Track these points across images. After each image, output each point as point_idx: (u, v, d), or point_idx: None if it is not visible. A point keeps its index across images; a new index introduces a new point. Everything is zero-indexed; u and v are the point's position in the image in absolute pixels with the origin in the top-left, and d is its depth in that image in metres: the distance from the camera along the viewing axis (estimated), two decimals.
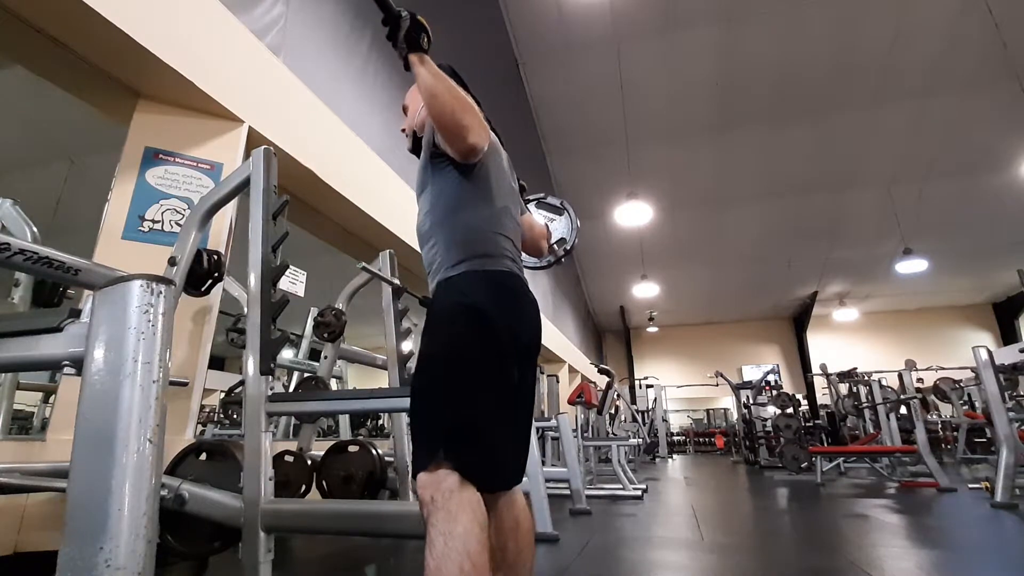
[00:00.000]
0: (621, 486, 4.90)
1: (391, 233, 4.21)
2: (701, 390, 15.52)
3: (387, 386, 2.74)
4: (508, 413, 1.10)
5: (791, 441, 6.46)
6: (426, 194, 1.24)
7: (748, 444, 9.03)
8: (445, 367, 1.05)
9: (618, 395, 8.89)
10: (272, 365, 1.75)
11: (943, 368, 9.06)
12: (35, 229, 2.80)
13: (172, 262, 2.20)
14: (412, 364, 3.03)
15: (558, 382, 7.31)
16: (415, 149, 1.40)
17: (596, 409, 6.44)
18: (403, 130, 1.42)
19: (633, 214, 9.39)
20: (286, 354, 4.72)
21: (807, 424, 9.51)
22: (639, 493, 4.74)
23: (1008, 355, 6.11)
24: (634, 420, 10.28)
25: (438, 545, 0.88)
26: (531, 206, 1.87)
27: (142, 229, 2.55)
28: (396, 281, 2.92)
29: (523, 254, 1.40)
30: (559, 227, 1.88)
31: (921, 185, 10.17)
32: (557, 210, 1.88)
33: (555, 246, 1.78)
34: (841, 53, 7.92)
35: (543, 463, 4.64)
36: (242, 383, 2.01)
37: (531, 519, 1.15)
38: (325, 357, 3.42)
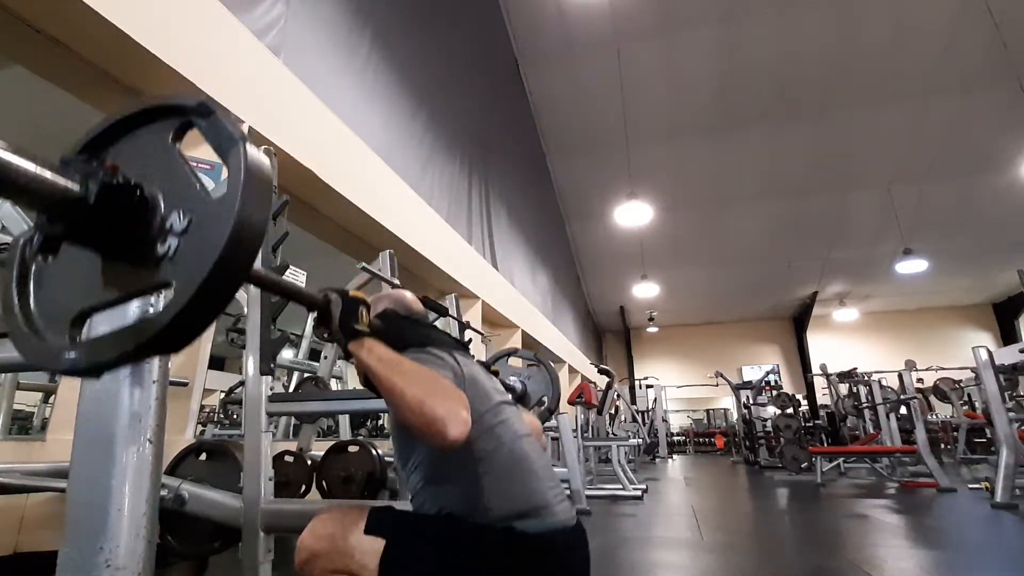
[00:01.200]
0: (621, 486, 4.89)
1: (391, 233, 4.21)
2: (701, 390, 15.51)
3: None
4: None
5: (791, 441, 6.46)
6: (414, 467, 1.07)
7: (748, 444, 9.02)
8: None
9: (618, 395, 8.89)
10: (272, 365, 1.75)
11: (943, 368, 9.06)
12: None
13: None
14: None
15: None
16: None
17: (596, 409, 6.43)
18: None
19: (633, 214, 9.39)
20: (286, 354, 4.71)
21: (807, 424, 9.51)
22: (639, 493, 4.73)
23: (1008, 355, 6.12)
24: (634, 420, 10.27)
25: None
26: (509, 361, 1.85)
27: None
28: (396, 281, 2.92)
29: None
30: (537, 384, 1.85)
31: (921, 185, 10.17)
32: (531, 363, 1.84)
33: (537, 406, 1.75)
34: (841, 53, 7.92)
35: None
36: (242, 383, 2.00)
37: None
38: (325, 357, 3.42)
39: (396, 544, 0.94)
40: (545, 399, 1.78)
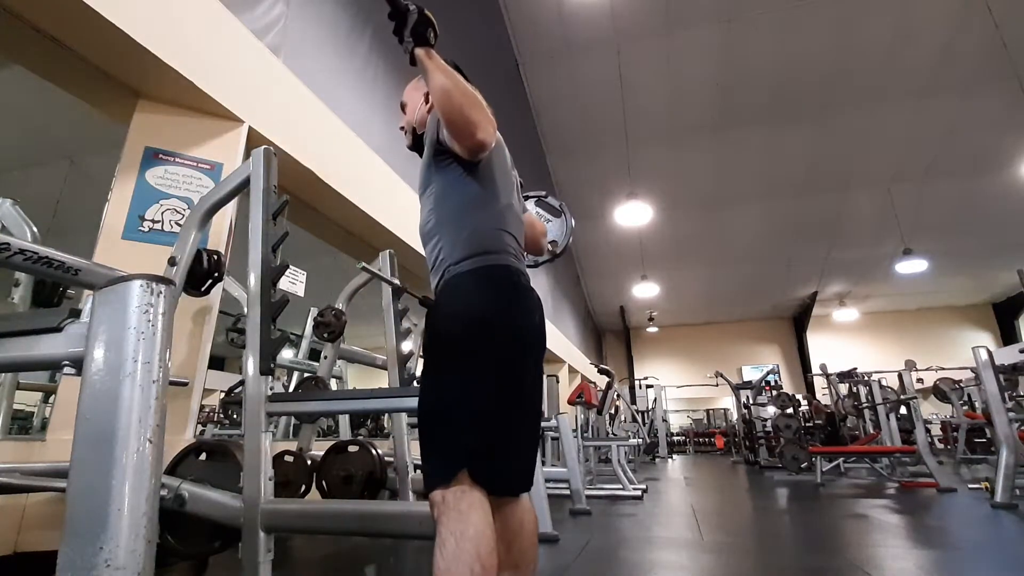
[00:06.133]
0: (621, 486, 4.89)
1: (391, 233, 4.21)
2: (701, 390, 15.52)
3: (387, 386, 2.74)
4: (520, 423, 1.10)
5: (791, 441, 6.46)
6: (429, 192, 1.22)
7: (748, 444, 9.03)
8: (458, 386, 1.03)
9: (618, 395, 8.89)
10: (272, 365, 1.75)
11: (943, 368, 9.06)
12: (35, 229, 2.80)
13: (172, 262, 2.20)
14: (412, 364, 3.04)
15: (558, 382, 7.30)
16: (415, 146, 1.38)
17: (596, 409, 6.43)
18: (402, 128, 1.40)
19: (633, 214, 9.39)
20: (286, 354, 4.72)
21: (807, 424, 9.51)
22: (639, 493, 4.74)
23: (1008, 355, 6.12)
24: (634, 420, 10.27)
25: (449, 545, 0.87)
26: (530, 203, 1.87)
27: (142, 229, 2.55)
28: (396, 281, 2.92)
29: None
30: (553, 228, 1.89)
31: (921, 185, 10.17)
32: (555, 211, 1.88)
33: (548, 246, 1.79)
34: (841, 53, 7.92)
35: (543, 463, 4.64)
36: (242, 383, 2.00)
37: (535, 521, 1.16)
38: (325, 357, 3.42)
39: (428, 456, 1.03)
40: (555, 243, 1.86)
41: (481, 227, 1.14)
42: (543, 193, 1.95)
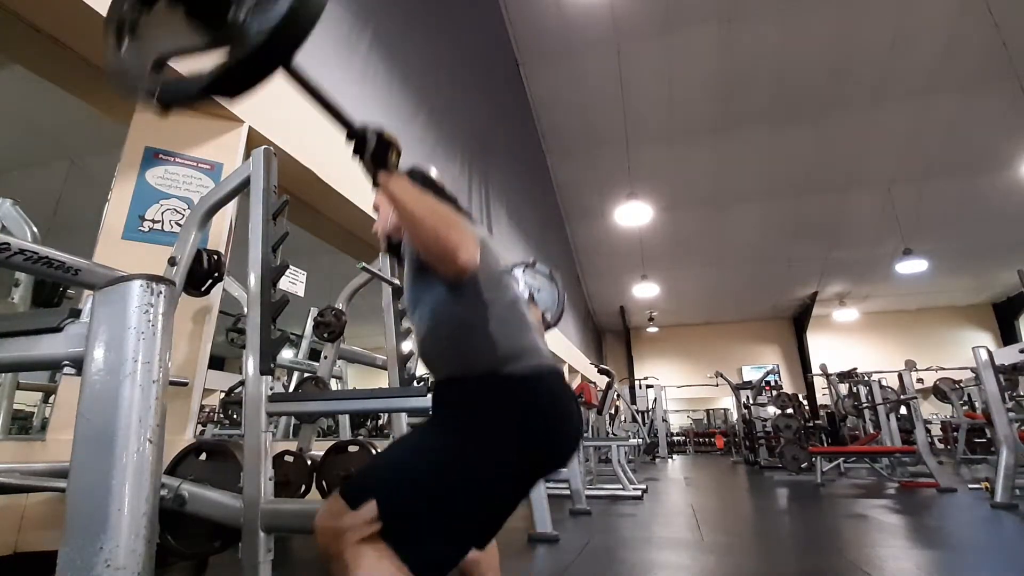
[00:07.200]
0: (621, 486, 4.89)
1: None
2: (701, 390, 15.52)
3: (387, 386, 2.74)
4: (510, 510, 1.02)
5: (791, 441, 6.46)
6: (422, 310, 1.11)
7: (748, 444, 9.03)
8: (472, 482, 0.94)
9: (618, 395, 8.89)
10: (272, 365, 1.75)
11: (943, 368, 9.06)
12: (35, 229, 2.80)
13: (172, 262, 2.20)
14: (412, 364, 3.03)
15: None
16: (391, 251, 1.31)
17: (596, 409, 6.44)
18: (375, 231, 1.32)
19: (633, 214, 9.39)
20: (286, 354, 4.71)
21: (807, 424, 9.52)
22: (639, 493, 4.74)
23: (1008, 355, 6.12)
24: (634, 420, 10.28)
25: None
26: (518, 271, 1.85)
27: (142, 229, 2.55)
28: (396, 281, 2.92)
29: None
30: (545, 298, 1.87)
31: (921, 185, 10.17)
32: (545, 278, 1.86)
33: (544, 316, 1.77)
34: (841, 53, 7.92)
35: None
36: (242, 383, 2.01)
37: (496, 555, 1.14)
38: (325, 357, 3.42)
39: (384, 493, 0.92)
40: (548, 313, 1.83)
41: (498, 332, 1.03)
42: (531, 260, 1.93)
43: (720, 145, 9.80)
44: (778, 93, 8.65)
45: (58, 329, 0.87)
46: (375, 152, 1.02)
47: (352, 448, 2.66)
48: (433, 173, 1.34)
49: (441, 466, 0.93)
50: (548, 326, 1.82)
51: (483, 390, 0.99)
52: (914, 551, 2.64)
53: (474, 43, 7.15)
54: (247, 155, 2.27)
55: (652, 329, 16.93)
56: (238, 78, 0.69)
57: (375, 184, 1.04)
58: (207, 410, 7.13)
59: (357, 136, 1.03)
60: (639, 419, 10.68)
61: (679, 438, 15.63)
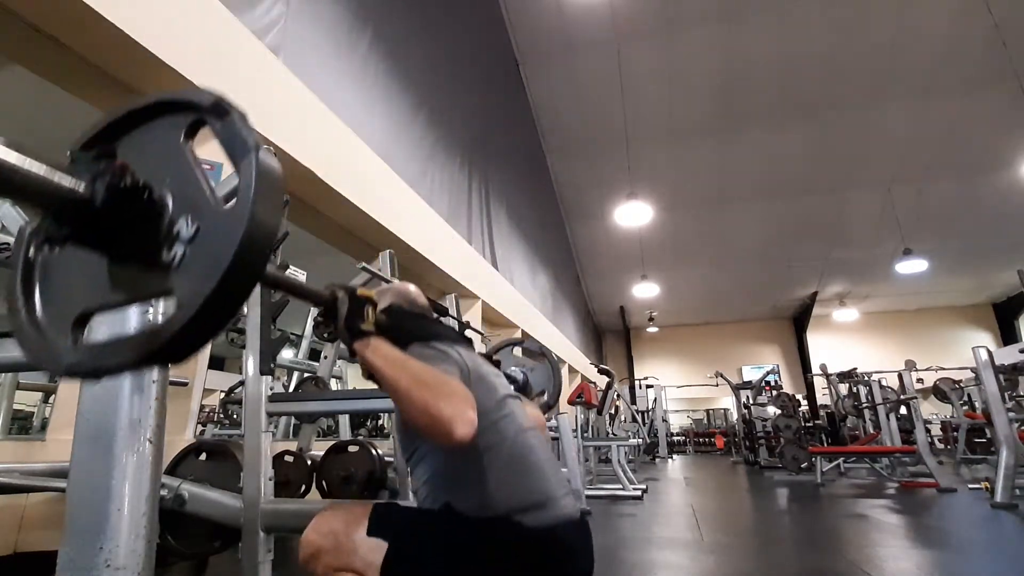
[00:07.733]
0: (621, 486, 4.89)
1: (391, 233, 4.20)
2: (701, 390, 15.51)
3: None
4: None
5: (791, 441, 6.46)
6: (418, 459, 1.08)
7: (748, 444, 9.02)
8: None
9: (618, 395, 8.89)
10: (272, 365, 1.75)
11: (943, 368, 9.06)
12: None
13: None
14: None
15: None
16: None
17: (596, 409, 6.43)
18: None
19: (633, 214, 9.39)
20: (286, 354, 4.71)
21: (807, 424, 9.51)
22: (639, 493, 4.73)
23: (1008, 355, 6.13)
24: (634, 420, 10.27)
25: None
26: (507, 351, 1.83)
27: None
28: (396, 281, 2.92)
29: None
30: (539, 378, 1.85)
31: (921, 185, 10.17)
32: (537, 356, 1.84)
33: (537, 398, 1.76)
34: (841, 53, 7.93)
35: None
36: (242, 383, 2.00)
37: None
38: (325, 357, 3.41)
39: (399, 546, 0.95)
40: (546, 393, 1.79)
41: (504, 480, 0.98)
42: (520, 340, 1.92)
43: (720, 145, 9.80)
44: (778, 93, 8.65)
45: None
46: (347, 318, 0.92)
47: (352, 448, 2.67)
48: (411, 293, 1.27)
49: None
50: (548, 407, 1.79)
51: (497, 543, 0.95)
52: (914, 551, 2.64)
53: (474, 43, 7.15)
54: None
55: (652, 329, 16.92)
56: (188, 342, 0.49)
57: (352, 355, 0.95)
58: (207, 410, 7.12)
59: (326, 304, 0.93)
60: (639, 419, 10.67)
61: (679, 438, 15.62)
